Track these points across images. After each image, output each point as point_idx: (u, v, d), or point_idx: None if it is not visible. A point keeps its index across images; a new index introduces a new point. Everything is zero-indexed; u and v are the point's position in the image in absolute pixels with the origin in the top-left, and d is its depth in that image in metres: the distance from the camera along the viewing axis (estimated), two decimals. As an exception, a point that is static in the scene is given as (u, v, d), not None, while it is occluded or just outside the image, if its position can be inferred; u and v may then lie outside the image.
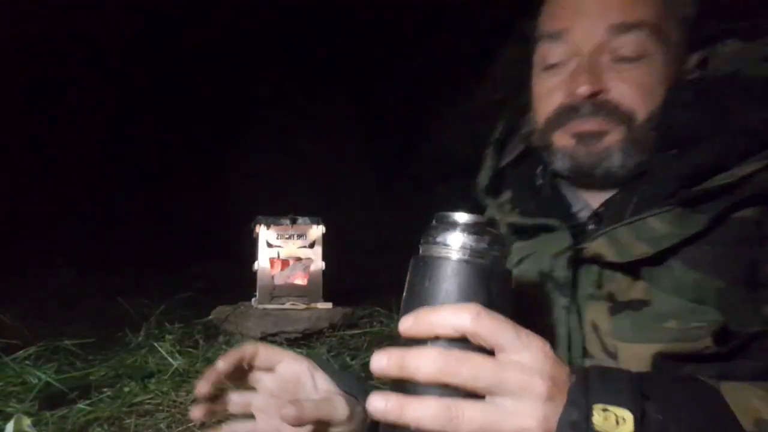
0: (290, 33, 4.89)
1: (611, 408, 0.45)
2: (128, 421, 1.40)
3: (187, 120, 5.28)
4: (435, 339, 0.44)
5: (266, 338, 2.28)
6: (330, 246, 2.59)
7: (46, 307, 3.01)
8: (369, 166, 4.92)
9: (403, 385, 0.44)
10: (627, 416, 0.44)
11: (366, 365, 2.02)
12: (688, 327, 0.61)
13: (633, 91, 0.77)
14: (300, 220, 2.57)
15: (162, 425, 1.39)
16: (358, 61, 4.54)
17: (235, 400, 0.73)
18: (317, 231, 2.56)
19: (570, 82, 0.79)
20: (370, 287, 3.09)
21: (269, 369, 0.72)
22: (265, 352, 0.71)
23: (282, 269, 2.52)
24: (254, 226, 2.55)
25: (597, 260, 0.70)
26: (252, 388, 0.74)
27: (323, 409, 0.66)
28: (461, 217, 0.46)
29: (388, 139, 4.74)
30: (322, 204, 3.04)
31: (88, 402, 1.47)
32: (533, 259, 0.80)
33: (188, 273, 3.97)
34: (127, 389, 1.58)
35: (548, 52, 0.82)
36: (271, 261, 2.52)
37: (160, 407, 1.49)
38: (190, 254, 4.30)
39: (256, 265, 2.51)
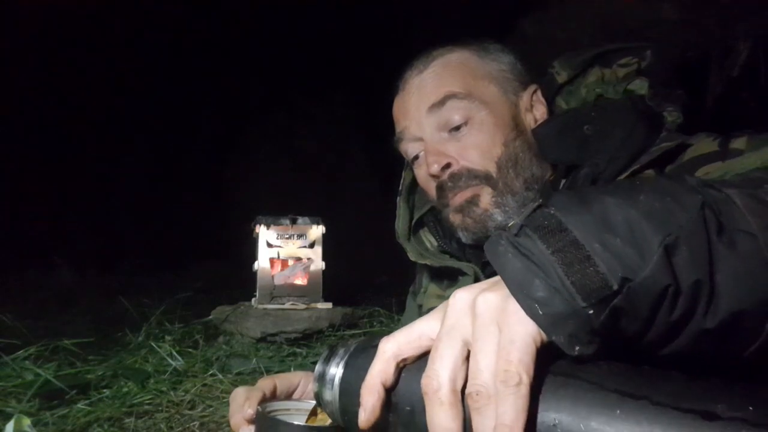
0: (290, 33, 4.89)
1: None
2: (128, 421, 1.39)
3: (187, 120, 5.29)
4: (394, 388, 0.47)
5: (266, 338, 2.28)
6: (330, 246, 2.59)
7: (46, 307, 3.01)
8: (369, 166, 4.92)
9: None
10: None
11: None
12: None
13: (476, 151, 0.91)
14: (300, 220, 2.56)
15: (162, 425, 1.39)
16: (358, 60, 4.54)
17: None
18: (317, 231, 2.56)
19: (427, 168, 0.94)
20: (370, 287, 3.09)
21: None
22: (281, 384, 0.73)
23: (282, 269, 2.52)
24: (254, 226, 2.54)
25: None
26: None
27: None
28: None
29: (388, 139, 4.74)
30: (322, 204, 3.04)
31: (87, 402, 1.47)
32: None
33: (188, 273, 3.97)
34: (126, 389, 1.58)
35: (407, 149, 0.99)
36: (271, 261, 2.51)
37: (160, 407, 1.49)
38: (190, 254, 4.30)
39: (256, 265, 2.50)
